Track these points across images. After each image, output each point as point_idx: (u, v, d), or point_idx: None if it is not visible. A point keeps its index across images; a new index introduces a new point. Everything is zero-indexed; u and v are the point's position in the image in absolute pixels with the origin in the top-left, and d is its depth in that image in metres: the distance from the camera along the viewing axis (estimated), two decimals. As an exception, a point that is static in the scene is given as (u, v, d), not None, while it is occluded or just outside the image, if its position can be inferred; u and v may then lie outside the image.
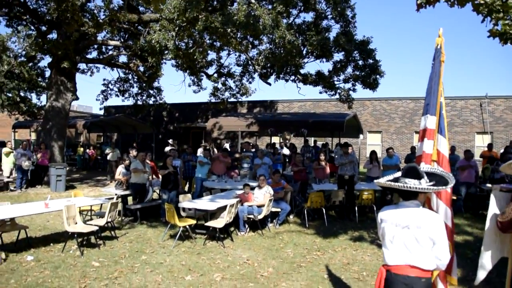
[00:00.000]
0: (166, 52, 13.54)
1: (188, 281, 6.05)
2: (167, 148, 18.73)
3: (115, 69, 21.52)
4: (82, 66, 21.84)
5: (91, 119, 26.14)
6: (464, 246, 8.03)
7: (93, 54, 21.38)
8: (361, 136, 21.48)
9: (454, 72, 66.98)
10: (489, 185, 11.41)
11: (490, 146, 15.26)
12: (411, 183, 3.03)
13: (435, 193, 3.72)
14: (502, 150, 15.39)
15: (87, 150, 23.71)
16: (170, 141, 19.79)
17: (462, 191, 11.48)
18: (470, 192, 11.61)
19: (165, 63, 15.81)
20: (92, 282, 5.92)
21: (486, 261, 3.94)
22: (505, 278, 3.96)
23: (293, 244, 8.20)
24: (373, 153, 11.93)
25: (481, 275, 3.93)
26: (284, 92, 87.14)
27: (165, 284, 5.93)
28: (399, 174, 3.25)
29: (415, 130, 25.67)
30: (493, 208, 3.91)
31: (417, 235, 2.98)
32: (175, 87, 60.00)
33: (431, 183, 3.09)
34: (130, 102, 23.65)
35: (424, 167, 3.45)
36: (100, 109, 25.15)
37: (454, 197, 11.41)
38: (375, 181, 3.46)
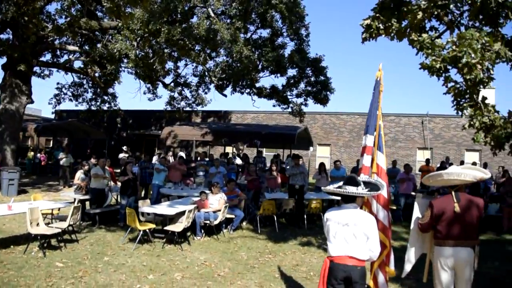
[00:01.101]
0: (126, 61, 13.91)
1: (150, 279, 6.54)
2: (121, 155, 18.93)
3: (69, 73, 21.44)
4: (37, 69, 21.58)
5: (43, 123, 25.66)
6: (401, 251, 8.93)
7: (47, 57, 21.23)
8: (311, 148, 22.48)
9: (400, 90, 70.37)
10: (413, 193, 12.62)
11: (427, 161, 16.63)
12: (350, 189, 3.78)
13: (375, 199, 4.49)
14: (438, 165, 16.79)
15: (38, 155, 23.29)
16: (124, 148, 19.98)
17: (401, 202, 12.56)
18: (408, 202, 12.70)
19: (123, 70, 16.12)
20: (58, 281, 6.26)
21: (411, 257, 4.77)
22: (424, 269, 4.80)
23: (247, 248, 8.82)
24: (322, 165, 12.81)
25: (408, 267, 4.76)
26: (238, 104, 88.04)
27: (129, 282, 6.38)
28: (341, 183, 3.98)
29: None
30: (416, 213, 4.75)
31: (354, 231, 3.72)
32: (131, 94, 60.16)
33: (367, 189, 3.86)
34: (83, 107, 23.56)
35: (363, 177, 4.22)
36: (52, 113, 24.85)
37: (394, 207, 12.49)
38: (322, 188, 4.19)
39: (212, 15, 15.91)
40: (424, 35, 6.05)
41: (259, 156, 16.97)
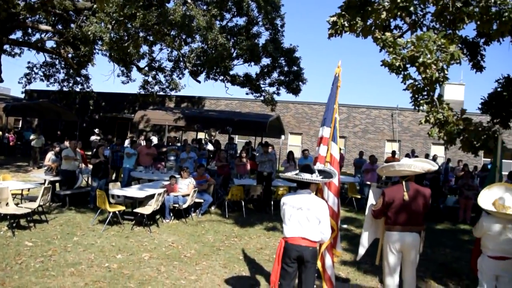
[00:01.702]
0: (100, 43, 13.88)
1: (119, 259, 6.78)
2: (93, 138, 18.88)
3: (41, 53, 21.12)
4: (6, 47, 21.17)
5: (12, 102, 25.19)
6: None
7: (18, 35, 20.84)
8: (282, 136, 22.88)
9: (372, 83, 71.48)
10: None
11: (393, 152, 17.20)
12: (305, 176, 4.11)
13: (327, 187, 4.84)
14: (403, 157, 17.38)
15: (7, 135, 22.92)
16: (96, 130, 19.89)
17: (366, 191, 13.05)
18: (372, 192, 13.22)
19: (97, 53, 16.06)
20: (27, 259, 6.43)
21: (365, 241, 5.17)
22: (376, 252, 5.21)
23: (214, 231, 9.13)
24: (290, 153, 13.17)
25: (361, 251, 5.16)
26: (212, 89, 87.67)
27: (97, 261, 6.60)
28: (297, 170, 4.31)
29: (333, 134, 27.63)
30: (370, 200, 5.14)
31: (307, 214, 4.06)
32: (104, 76, 59.07)
33: (321, 177, 4.20)
34: (55, 87, 23.29)
35: (318, 165, 4.56)
36: (22, 92, 24.44)
37: (359, 196, 13.01)
38: (280, 174, 4.51)
39: (189, 1, 15.97)
40: (387, 34, 6.40)
41: (231, 143, 17.22)
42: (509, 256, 4.66)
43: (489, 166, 17.24)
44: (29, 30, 20.50)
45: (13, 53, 21.05)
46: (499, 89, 10.40)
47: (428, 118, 6.72)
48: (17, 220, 8.33)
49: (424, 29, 7.23)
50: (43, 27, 17.94)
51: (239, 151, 14.75)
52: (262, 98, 19.10)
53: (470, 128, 6.59)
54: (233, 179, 12.47)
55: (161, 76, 20.80)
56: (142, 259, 6.85)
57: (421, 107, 6.50)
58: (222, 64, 16.11)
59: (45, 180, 10.61)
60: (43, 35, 19.53)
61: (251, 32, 17.47)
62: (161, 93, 20.93)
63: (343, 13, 6.13)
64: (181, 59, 19.15)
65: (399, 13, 6.25)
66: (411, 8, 6.07)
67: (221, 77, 18.67)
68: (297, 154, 18.96)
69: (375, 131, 27.37)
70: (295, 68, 17.80)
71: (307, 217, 4.06)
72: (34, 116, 27.83)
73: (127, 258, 6.87)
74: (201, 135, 22.69)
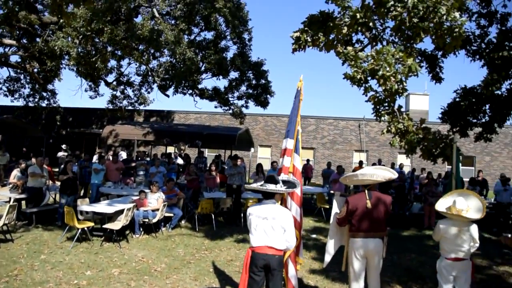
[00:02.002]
0: (68, 58, 13.75)
1: (88, 275, 6.73)
2: (60, 154, 18.58)
3: (4, 67, 20.70)
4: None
5: (-27, 119, 24.45)
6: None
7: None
8: (252, 149, 23.01)
9: (339, 94, 72.81)
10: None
11: (360, 162, 17.59)
12: (269, 187, 4.25)
13: (290, 197, 4.98)
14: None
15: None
16: (63, 146, 19.60)
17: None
18: (340, 202, 13.48)
19: (64, 68, 15.87)
20: (-8, 279, 6.32)
21: (330, 248, 5.33)
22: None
23: (184, 245, 9.14)
24: (259, 165, 13.32)
25: (327, 258, 5.32)
26: (181, 103, 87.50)
27: (66, 278, 6.54)
28: (262, 182, 4.44)
29: (302, 146, 27.74)
30: (335, 209, 5.32)
31: (273, 224, 4.19)
32: (71, 91, 58.07)
33: (285, 187, 4.35)
34: (20, 103, 22.81)
35: (283, 176, 4.71)
36: (-16, 108, 23.81)
37: (327, 206, 13.23)
38: (246, 186, 4.63)
39: (157, 15, 16.04)
40: (349, 48, 6.67)
41: (200, 157, 17.26)
42: (465, 258, 4.93)
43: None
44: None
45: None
46: (457, 99, 10.91)
47: (389, 128, 7.00)
48: (-20, 240, 8.15)
49: (384, 43, 7.53)
50: (7, 41, 17.62)
51: (209, 165, 14.80)
52: (230, 111, 19.24)
53: (429, 137, 6.90)
54: (202, 192, 12.51)
55: (129, 91, 20.73)
56: (112, 275, 6.82)
57: (382, 118, 6.76)
58: (190, 78, 16.19)
59: (10, 198, 10.39)
60: (7, 49, 19.15)
61: (219, 46, 17.63)
62: (130, 107, 20.80)
63: (306, 28, 6.36)
64: (149, 73, 19.13)
65: (359, 28, 6.52)
66: (370, 24, 6.34)
67: (190, 91, 18.73)
68: (267, 166, 19.12)
69: (343, 142, 27.88)
70: (263, 81, 18.05)
71: (272, 226, 4.19)
72: (-2, 133, 27.11)
73: (97, 274, 6.82)
74: (170, 149, 22.60)
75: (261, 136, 28.39)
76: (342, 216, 5.06)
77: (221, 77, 17.96)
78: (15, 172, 11.06)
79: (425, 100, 30.89)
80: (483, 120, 11.01)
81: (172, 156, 17.51)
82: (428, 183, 13.73)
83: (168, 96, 19.13)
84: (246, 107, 19.02)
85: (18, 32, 18.57)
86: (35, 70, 17.90)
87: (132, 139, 21.49)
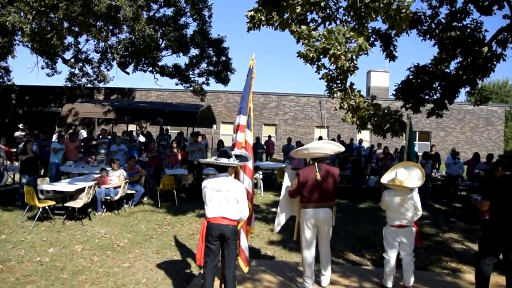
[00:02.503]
0: (21, 34, 13.34)
1: (51, 253, 6.83)
2: (17, 133, 18.15)
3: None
4: None
5: None
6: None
7: None
8: (214, 126, 23.10)
9: (301, 71, 73.33)
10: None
11: (320, 138, 18.12)
12: (223, 161, 4.49)
13: (242, 170, 5.23)
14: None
15: None
16: (21, 125, 19.12)
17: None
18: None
19: (18, 44, 15.41)
20: (-49, 259, 6.33)
21: (282, 219, 5.64)
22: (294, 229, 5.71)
23: (146, 221, 9.32)
24: (220, 142, 13.52)
25: (277, 228, 5.64)
26: (142, 81, 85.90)
27: (28, 256, 6.62)
28: (216, 156, 4.67)
29: (264, 122, 28.39)
30: (286, 181, 5.62)
31: (226, 196, 4.44)
32: (27, 69, 55.86)
33: (237, 161, 4.60)
34: (-28, 81, 22.02)
35: (236, 151, 4.94)
36: None
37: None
38: (200, 160, 4.85)
39: (114, -10, 15.72)
40: (303, 27, 6.88)
41: (162, 134, 17.28)
42: (407, 225, 5.35)
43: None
44: None
45: None
46: (410, 77, 11.36)
47: (342, 105, 7.33)
48: None
49: (338, 22, 7.80)
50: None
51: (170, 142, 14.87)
52: (191, 88, 19.24)
53: (379, 113, 7.28)
54: (164, 169, 12.62)
55: (88, 68, 20.31)
56: (75, 251, 6.95)
57: (335, 95, 7.07)
58: (150, 55, 16.07)
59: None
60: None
61: (179, 23, 17.49)
62: (89, 85, 20.44)
63: (260, 8, 6.53)
64: (108, 50, 18.79)
65: (312, 8, 6.74)
66: (322, 4, 6.57)
67: (150, 69, 18.58)
68: (228, 143, 19.33)
69: (304, 118, 28.36)
70: (224, 58, 18.12)
71: (226, 198, 4.44)
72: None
73: (59, 251, 6.94)
74: (132, 127, 22.42)
75: (223, 113, 28.49)
76: (294, 188, 5.36)
77: (181, 54, 17.88)
78: (-30, 153, 10.86)
79: (386, 77, 31.65)
80: (435, 97, 11.53)
81: (134, 134, 17.46)
82: (384, 157, 14.31)
83: (128, 73, 18.94)
84: (207, 84, 19.09)
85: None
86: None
87: (92, 118, 21.15)
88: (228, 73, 18.19)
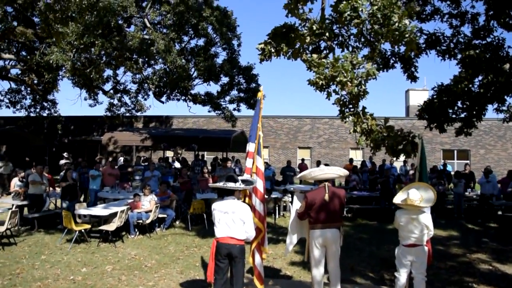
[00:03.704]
0: (64, 70, 14.43)
1: (83, 272, 7.37)
2: (62, 161, 19.24)
3: (5, 80, 21.43)
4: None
5: (-22, 130, 25.22)
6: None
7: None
8: (248, 150, 23.57)
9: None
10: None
11: (351, 160, 18.25)
12: (230, 185, 4.87)
13: (254, 194, 5.59)
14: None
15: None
16: (65, 154, 20.24)
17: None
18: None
19: (61, 79, 16.57)
20: (-4, 277, 6.98)
21: (293, 239, 5.93)
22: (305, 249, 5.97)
23: (175, 243, 9.77)
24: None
25: (289, 248, 5.92)
26: (180, 108, 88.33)
27: (63, 275, 7.18)
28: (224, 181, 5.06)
29: (299, 146, 28.64)
30: (296, 204, 5.92)
31: (233, 217, 4.81)
32: (70, 101, 59.00)
33: (243, 185, 4.97)
34: (22, 114, 23.54)
35: (245, 176, 5.32)
36: (-12, 120, 24.59)
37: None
38: (209, 184, 5.26)
39: (148, 25, 16.71)
40: (314, 56, 7.25)
41: (197, 160, 17.89)
42: (419, 244, 5.49)
43: (440, 168, 18.40)
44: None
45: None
46: (434, 96, 11.45)
47: (355, 128, 7.58)
48: (-15, 244, 8.81)
49: (350, 48, 8.12)
50: (6, 56, 18.33)
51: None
52: (223, 115, 19.89)
53: (391, 135, 7.48)
54: (195, 194, 13.10)
55: (126, 98, 21.40)
56: (105, 271, 7.45)
57: (346, 119, 7.34)
58: (182, 85, 16.84)
59: (13, 205, 11.05)
60: (6, 63, 19.88)
61: (209, 53, 18.28)
62: (127, 114, 21.48)
63: (269, 40, 6.97)
64: (144, 81, 19.79)
65: (320, 38, 7.11)
66: (327, 34, 6.93)
67: (183, 97, 19.40)
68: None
69: (338, 140, 28.42)
70: (254, 85, 18.71)
71: (232, 220, 4.81)
72: (1, 143, 27.87)
73: (91, 271, 7.46)
74: (169, 153, 23.23)
75: (258, 137, 28.89)
76: (302, 210, 5.66)
77: (212, 82, 18.62)
78: (15, 181, 11.74)
79: (425, 96, 31.10)
80: (462, 116, 11.53)
81: (170, 160, 18.15)
82: (413, 177, 14.27)
83: (163, 102, 19.84)
84: (238, 110, 19.69)
85: (17, 45, 19.31)
86: (34, 82, 18.57)
87: (131, 145, 22.14)
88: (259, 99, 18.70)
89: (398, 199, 5.66)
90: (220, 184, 5.03)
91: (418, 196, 5.45)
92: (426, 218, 5.53)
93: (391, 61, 11.13)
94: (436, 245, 10.06)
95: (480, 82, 10.67)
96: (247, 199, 5.67)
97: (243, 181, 5.01)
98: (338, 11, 6.87)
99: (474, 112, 11.33)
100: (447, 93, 11.03)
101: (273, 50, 6.95)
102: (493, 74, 10.10)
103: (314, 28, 6.59)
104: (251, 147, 5.78)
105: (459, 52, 10.82)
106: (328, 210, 5.53)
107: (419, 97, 31.42)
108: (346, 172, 5.79)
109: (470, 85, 10.52)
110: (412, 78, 11.42)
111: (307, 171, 5.90)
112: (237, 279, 4.84)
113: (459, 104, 11.33)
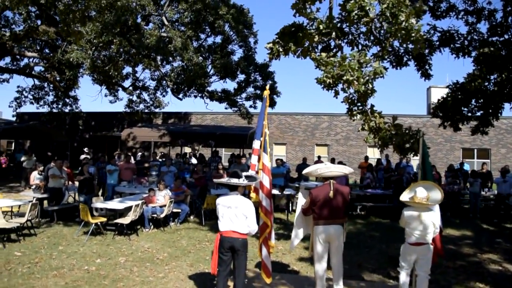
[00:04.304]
0: (84, 67, 14.81)
1: (98, 263, 7.66)
2: (82, 156, 19.73)
3: (29, 78, 22.01)
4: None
5: (3, 125, 26.05)
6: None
7: (6, 60, 21.73)
8: (266, 147, 23.73)
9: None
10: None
11: (366, 158, 18.26)
12: (233, 181, 5.03)
13: (261, 190, 5.74)
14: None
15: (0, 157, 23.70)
16: (86, 149, 20.74)
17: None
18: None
19: (81, 76, 17.00)
20: (16, 266, 7.31)
21: (298, 235, 6.06)
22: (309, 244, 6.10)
23: (188, 237, 10.00)
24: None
25: (295, 243, 6.06)
26: (198, 105, 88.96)
27: (78, 265, 7.48)
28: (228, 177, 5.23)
29: (316, 143, 28.65)
30: (301, 200, 6.05)
31: (236, 212, 4.98)
32: (91, 97, 60.15)
33: (246, 181, 5.13)
34: (45, 109, 24.17)
35: (250, 172, 5.48)
36: (13, 116, 25.29)
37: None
38: (214, 180, 5.43)
39: (166, 23, 16.98)
40: (323, 54, 7.35)
41: (214, 156, 18.13)
42: (425, 242, 5.54)
43: (457, 166, 18.25)
44: (18, 56, 21.41)
45: (2, 79, 21.91)
46: (449, 94, 11.40)
47: (363, 126, 7.66)
48: (7, 234, 9.17)
49: (360, 47, 8.19)
50: (30, 54, 18.86)
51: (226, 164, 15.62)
52: (239, 112, 20.10)
53: (399, 133, 7.53)
54: (210, 189, 13.31)
55: (145, 95, 21.78)
56: (118, 262, 7.73)
57: (354, 117, 7.42)
58: (199, 82, 17.08)
59: (33, 198, 11.45)
60: (30, 61, 20.44)
61: (225, 50, 18.50)
62: (146, 111, 21.87)
63: (277, 40, 7.09)
64: (163, 78, 20.12)
65: (328, 37, 7.21)
66: (333, 34, 7.01)
67: (200, 94, 19.68)
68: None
69: (356, 138, 28.29)
70: (270, 82, 18.86)
71: (235, 214, 4.98)
72: (25, 138, 28.65)
73: (105, 262, 7.74)
74: (187, 149, 23.56)
75: (276, 134, 29.04)
76: (306, 206, 5.80)
77: (228, 79, 18.84)
78: (34, 174, 12.16)
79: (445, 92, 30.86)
80: (478, 114, 11.46)
81: (187, 156, 18.44)
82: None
83: (180, 99, 20.15)
84: (254, 107, 19.88)
85: (40, 43, 19.85)
86: (57, 79, 19.06)
87: (149, 141, 22.56)
88: (274, 96, 18.87)
89: (405, 196, 5.71)
90: (224, 180, 5.20)
91: (425, 194, 5.50)
92: (434, 216, 5.55)
93: (404, 59, 11.11)
94: (447, 244, 10.09)
95: (495, 80, 10.61)
96: (254, 194, 5.83)
97: (247, 177, 5.17)
98: (346, 10, 6.96)
99: (490, 111, 11.26)
100: (462, 91, 10.99)
101: (281, 50, 7.07)
102: (508, 72, 10.02)
103: (321, 27, 6.67)
104: (256, 144, 5.94)
105: (474, 49, 10.76)
106: (332, 206, 5.65)
107: (441, 94, 31.09)
108: (351, 170, 5.89)
109: (485, 83, 10.46)
110: (426, 75, 11.36)
111: (313, 167, 6.02)
112: (239, 271, 5.01)
113: (473, 102, 11.29)
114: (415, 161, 21.24)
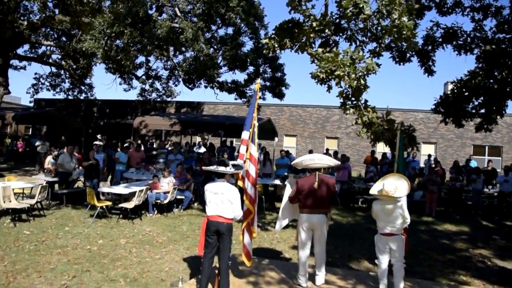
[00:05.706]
0: (96, 57, 15.25)
1: (100, 243, 8.09)
2: (96, 142, 20.30)
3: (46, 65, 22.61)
4: (14, 62, 22.72)
5: (21, 111, 26.79)
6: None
7: (25, 48, 22.35)
8: (276, 139, 23.98)
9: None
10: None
11: (372, 152, 18.37)
12: (220, 168, 5.36)
13: (247, 178, 6.05)
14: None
15: (16, 142, 24.44)
16: (99, 136, 21.31)
17: (337, 188, 14.20)
18: (344, 188, 14.39)
19: (95, 65, 17.46)
20: (24, 243, 7.79)
21: (283, 221, 6.38)
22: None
23: (189, 223, 10.39)
24: (266, 153, 14.42)
25: (278, 227, 6.39)
26: (209, 95, 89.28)
27: (81, 245, 7.92)
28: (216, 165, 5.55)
29: (327, 135, 28.79)
30: (288, 189, 6.34)
31: (221, 198, 5.30)
32: (105, 85, 61.40)
33: (233, 169, 5.44)
34: (61, 96, 24.80)
35: (238, 161, 5.79)
36: (30, 102, 26.00)
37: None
38: (203, 167, 5.75)
39: (179, 14, 17.31)
40: (319, 49, 7.59)
41: (223, 146, 18.50)
42: (396, 233, 5.77)
43: (463, 163, 18.27)
44: (35, 44, 22.01)
45: (19, 66, 22.55)
46: (453, 91, 11.48)
47: (357, 121, 7.91)
48: (18, 214, 9.68)
49: (358, 43, 8.40)
50: (46, 42, 19.39)
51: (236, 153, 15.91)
52: (248, 103, 20.39)
53: (391, 128, 7.76)
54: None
55: (158, 84, 22.19)
56: (119, 244, 8.15)
57: (347, 111, 7.67)
58: (209, 73, 17.40)
59: (45, 181, 11.96)
60: (47, 49, 21.00)
61: (235, 42, 18.74)
62: (158, 100, 22.31)
63: (273, 36, 7.36)
64: (175, 67, 20.48)
65: (319, 34, 7.45)
66: (327, 30, 7.24)
67: (210, 85, 19.99)
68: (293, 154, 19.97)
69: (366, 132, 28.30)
70: (279, 74, 19.07)
71: (221, 200, 5.30)
72: (42, 124, 29.40)
73: (107, 243, 8.17)
74: (198, 138, 23.93)
75: (287, 126, 29.26)
76: (292, 195, 6.10)
77: (237, 71, 19.11)
78: (49, 158, 12.68)
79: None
80: (482, 111, 11.52)
81: (197, 145, 18.83)
82: (430, 172, 14.37)
83: (191, 89, 20.47)
84: (263, 98, 20.12)
85: (57, 32, 20.37)
86: (72, 67, 19.58)
87: (161, 129, 22.97)
88: (283, 88, 19.11)
89: (373, 189, 5.84)
90: (212, 168, 5.53)
91: (393, 186, 5.59)
92: (403, 208, 5.68)
93: (408, 55, 11.24)
94: (441, 239, 10.31)
95: (498, 77, 10.67)
96: (241, 183, 6.14)
97: (233, 166, 5.49)
98: (342, 6, 7.20)
99: (494, 108, 11.31)
100: (464, 88, 11.07)
101: (276, 45, 7.33)
102: (508, 70, 10.08)
103: (314, 25, 6.91)
104: (245, 134, 6.23)
105: (476, 47, 10.84)
106: (316, 196, 5.92)
107: (454, 89, 30.97)
108: (337, 163, 6.14)
109: (487, 80, 10.53)
110: (429, 72, 11.49)
111: (300, 159, 6.27)
112: (224, 254, 5.34)
113: (476, 99, 11.36)
114: (423, 157, 21.38)
